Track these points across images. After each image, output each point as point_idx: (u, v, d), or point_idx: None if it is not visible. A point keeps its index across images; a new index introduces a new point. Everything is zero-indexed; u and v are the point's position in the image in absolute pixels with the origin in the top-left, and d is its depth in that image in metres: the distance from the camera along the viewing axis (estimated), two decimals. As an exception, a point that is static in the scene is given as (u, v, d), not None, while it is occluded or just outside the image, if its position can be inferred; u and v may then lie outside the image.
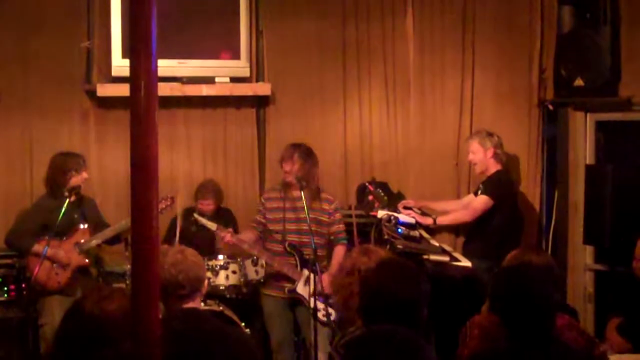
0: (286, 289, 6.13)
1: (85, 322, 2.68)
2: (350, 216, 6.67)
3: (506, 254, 4.28)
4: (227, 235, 6.09)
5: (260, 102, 7.35)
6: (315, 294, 5.68)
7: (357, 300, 3.36)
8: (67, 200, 5.99)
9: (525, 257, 4.05)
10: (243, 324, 6.00)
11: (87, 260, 6.30)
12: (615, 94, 6.63)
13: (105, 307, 2.68)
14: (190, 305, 3.69)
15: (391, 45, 7.33)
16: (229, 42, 7.06)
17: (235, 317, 5.97)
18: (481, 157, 6.66)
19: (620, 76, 6.62)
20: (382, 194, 6.75)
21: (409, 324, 3.11)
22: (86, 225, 6.31)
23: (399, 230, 6.34)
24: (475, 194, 6.76)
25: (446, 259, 6.34)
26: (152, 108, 1.61)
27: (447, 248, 6.59)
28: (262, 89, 7.19)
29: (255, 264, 6.40)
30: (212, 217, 6.63)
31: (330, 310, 5.85)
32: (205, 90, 7.02)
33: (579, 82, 6.61)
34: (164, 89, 6.63)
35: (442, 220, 6.69)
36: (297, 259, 6.13)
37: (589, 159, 6.92)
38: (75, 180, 6.24)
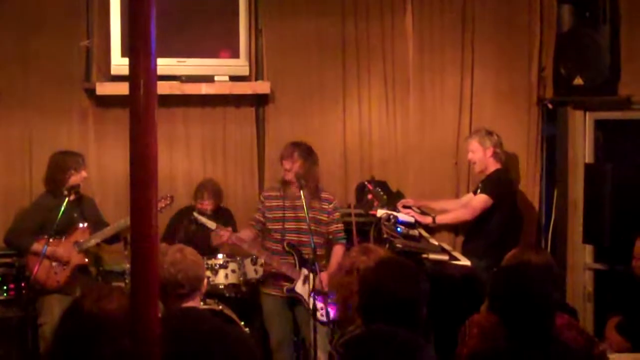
0: (285, 289, 6.13)
1: (84, 321, 2.67)
2: (349, 215, 6.67)
3: (505, 253, 4.27)
4: (226, 234, 6.09)
5: (259, 101, 7.35)
6: (314, 293, 5.67)
7: (357, 299, 3.36)
8: (67, 199, 5.99)
9: (525, 256, 4.05)
10: (242, 323, 6.00)
11: (86, 259, 6.30)
12: (615, 93, 6.63)
13: (105, 306, 2.68)
14: (190, 304, 3.69)
15: (390, 43, 7.33)
16: (228, 40, 7.06)
17: (234, 316, 5.97)
18: (481, 156, 6.65)
19: (619, 75, 6.62)
20: (382, 192, 6.75)
21: (408, 323, 3.12)
22: (85, 224, 6.31)
23: (398, 229, 6.34)
24: (475, 192, 6.75)
25: (445, 258, 6.34)
26: (151, 107, 1.61)
27: (447, 247, 6.59)
28: (261, 87, 7.19)
29: (254, 263, 6.40)
30: (211, 217, 6.63)
31: (329, 309, 5.86)
32: (204, 88, 7.02)
33: (578, 80, 6.61)
34: (163, 88, 6.62)
35: (442, 219, 6.69)
36: (296, 258, 6.13)
37: (588, 158, 6.92)
38: (74, 179, 6.24)
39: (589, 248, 6.96)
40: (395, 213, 6.48)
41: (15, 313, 6.40)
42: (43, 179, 6.36)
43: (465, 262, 6.37)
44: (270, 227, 6.24)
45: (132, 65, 1.61)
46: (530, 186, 7.15)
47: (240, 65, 7.07)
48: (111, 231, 6.28)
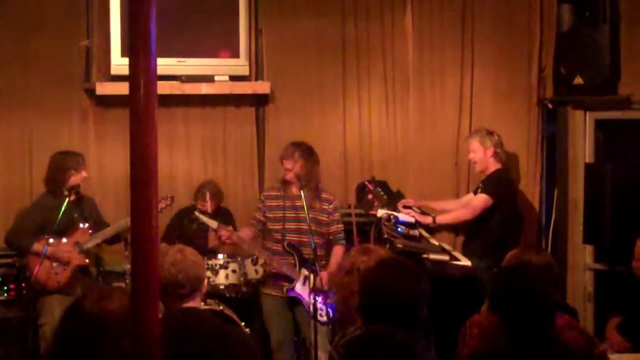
0: (285, 289, 6.13)
1: (85, 321, 2.67)
2: (349, 215, 6.68)
3: (506, 253, 4.27)
4: (227, 233, 6.09)
5: (259, 101, 7.35)
6: (314, 293, 5.67)
7: (357, 299, 3.36)
8: (67, 200, 5.99)
9: (525, 257, 4.05)
10: (243, 323, 6.00)
11: (87, 260, 6.30)
12: (615, 93, 6.63)
13: (105, 306, 2.68)
14: (190, 304, 3.69)
15: (390, 43, 7.33)
16: (228, 40, 7.06)
17: (235, 317, 5.97)
18: (481, 156, 6.65)
19: (619, 74, 6.61)
20: (382, 192, 6.75)
21: (408, 323, 3.11)
22: (86, 225, 6.31)
23: (399, 229, 6.34)
24: (475, 192, 6.75)
25: (446, 258, 6.34)
26: (151, 106, 1.61)
27: (447, 247, 6.59)
28: (261, 87, 7.19)
29: (255, 263, 6.40)
30: (211, 217, 6.63)
31: (329, 309, 5.86)
32: (204, 88, 7.02)
33: (578, 80, 6.61)
34: (163, 88, 6.62)
35: (442, 219, 6.69)
36: (296, 258, 6.13)
37: (589, 158, 6.92)
38: (74, 179, 6.24)
39: (589, 248, 6.96)
40: (395, 213, 6.48)
41: (15, 313, 6.40)
42: (43, 179, 6.36)
43: (465, 262, 6.37)
44: (270, 226, 6.24)
45: (132, 65, 1.60)
46: (531, 186, 7.14)
47: (240, 65, 7.07)
48: (112, 231, 6.29)
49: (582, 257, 6.99)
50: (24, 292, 6.35)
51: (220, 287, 6.35)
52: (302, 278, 6.07)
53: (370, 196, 6.74)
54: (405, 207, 6.76)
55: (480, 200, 6.59)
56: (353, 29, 7.31)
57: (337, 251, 6.22)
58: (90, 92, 6.93)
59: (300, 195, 5.94)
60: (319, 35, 7.30)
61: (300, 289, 6.07)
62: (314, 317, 5.61)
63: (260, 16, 7.22)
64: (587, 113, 6.91)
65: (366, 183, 6.89)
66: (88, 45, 6.93)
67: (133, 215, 1.63)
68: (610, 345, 5.17)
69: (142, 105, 1.60)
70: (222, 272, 6.37)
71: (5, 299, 6.42)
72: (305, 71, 7.31)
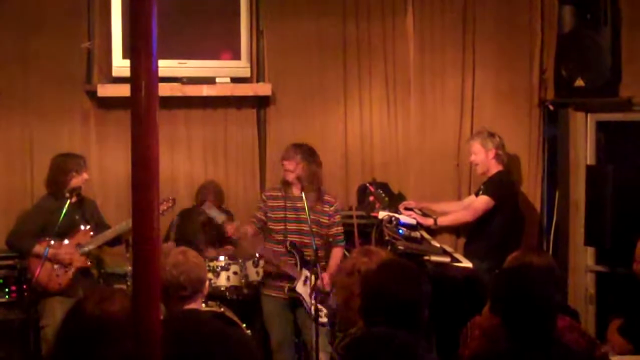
0: (286, 288, 6.11)
1: (86, 323, 2.67)
2: (351, 217, 6.68)
3: (507, 254, 4.27)
4: (232, 228, 6.10)
5: (260, 103, 7.35)
6: (315, 295, 5.67)
7: (358, 301, 3.36)
8: (68, 202, 5.99)
9: (526, 258, 4.05)
10: (244, 325, 5.99)
11: (88, 262, 6.30)
12: (616, 94, 6.62)
13: (106, 308, 2.68)
14: (192, 306, 3.69)
15: (391, 44, 7.33)
16: (229, 42, 7.06)
17: (236, 318, 5.97)
18: (483, 158, 6.65)
19: (620, 76, 6.61)
20: (383, 194, 6.75)
21: (409, 325, 3.11)
22: (87, 227, 6.31)
23: (400, 231, 6.34)
24: (477, 194, 6.75)
25: (447, 259, 6.34)
26: (152, 108, 1.61)
27: (448, 249, 6.58)
28: (262, 89, 7.20)
29: (256, 265, 6.40)
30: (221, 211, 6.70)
31: (328, 309, 5.87)
32: (205, 90, 7.03)
33: (579, 82, 6.60)
34: (165, 90, 6.63)
35: (443, 220, 6.69)
36: (297, 258, 6.13)
37: (590, 160, 6.91)
38: (76, 181, 6.24)
39: (590, 250, 6.95)
40: (397, 215, 6.48)
41: (17, 315, 6.40)
42: (44, 181, 6.36)
43: (467, 264, 6.36)
44: (271, 226, 6.24)
45: (133, 67, 1.60)
46: (532, 188, 7.14)
47: (241, 66, 7.07)
48: (113, 233, 6.29)
49: (583, 259, 6.98)
50: (26, 294, 6.36)
51: (222, 288, 6.36)
52: (303, 278, 6.07)
53: (371, 198, 6.74)
54: (406, 208, 6.76)
55: (482, 201, 6.59)
56: (354, 30, 7.31)
57: (337, 253, 6.23)
58: (92, 94, 6.93)
59: (301, 197, 5.94)
60: (320, 36, 7.30)
61: (301, 288, 6.07)
62: (315, 319, 5.60)
63: (261, 17, 7.23)
64: (588, 115, 6.90)
65: (367, 185, 6.89)
66: (89, 46, 6.93)
67: (134, 217, 1.62)
68: (611, 347, 5.16)
69: (143, 107, 1.60)
70: (223, 274, 6.37)
71: (7, 301, 6.42)
72: (307, 72, 7.31)
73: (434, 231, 6.85)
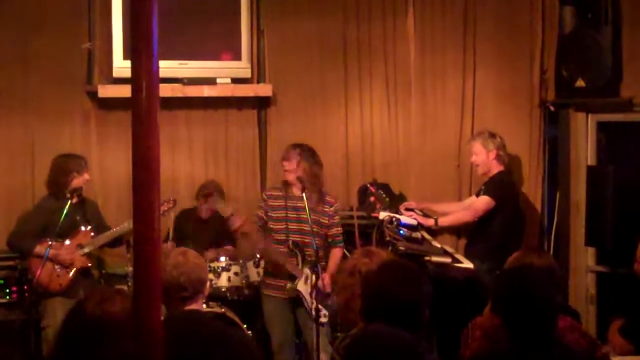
0: (287, 285, 6.09)
1: (87, 324, 2.67)
2: (352, 217, 6.68)
3: (508, 255, 4.27)
4: (238, 222, 6.09)
5: (261, 103, 7.35)
6: (316, 295, 5.67)
7: (359, 302, 3.36)
8: (69, 202, 5.99)
9: (527, 259, 4.05)
10: (245, 325, 6.00)
11: (89, 262, 6.30)
12: (617, 95, 6.62)
13: (107, 309, 2.68)
14: (193, 307, 3.69)
15: (392, 45, 7.33)
16: (230, 42, 7.07)
17: (237, 319, 5.98)
18: (484, 158, 6.65)
19: (621, 77, 6.60)
20: (384, 195, 6.75)
21: (410, 325, 3.11)
22: (88, 227, 6.31)
23: (401, 231, 6.34)
24: (477, 195, 6.75)
25: (448, 260, 6.34)
26: (153, 109, 1.61)
27: (449, 249, 6.59)
28: (263, 90, 7.20)
29: (257, 265, 6.40)
30: (212, 218, 6.67)
31: (328, 310, 5.87)
32: (206, 91, 7.03)
33: (580, 82, 6.60)
34: (165, 90, 6.64)
35: (444, 221, 6.68)
36: (299, 257, 6.12)
37: (591, 160, 6.91)
38: (76, 181, 6.24)
39: (591, 250, 6.94)
40: (397, 215, 6.48)
41: (18, 316, 6.40)
42: (45, 182, 6.36)
43: (467, 264, 6.36)
44: (272, 226, 6.23)
45: (134, 68, 1.60)
46: (533, 188, 7.14)
47: (242, 67, 7.08)
48: (114, 234, 6.29)
49: (584, 260, 6.98)
50: (26, 294, 6.36)
51: (223, 289, 6.36)
52: (304, 277, 6.06)
53: (372, 199, 6.74)
54: (407, 209, 6.76)
55: (483, 202, 6.59)
56: (355, 30, 7.31)
57: (336, 254, 6.24)
58: (93, 95, 6.94)
59: (302, 197, 5.94)
60: (321, 36, 7.30)
61: (302, 287, 6.07)
62: (316, 319, 5.60)
63: (262, 17, 7.23)
64: (589, 115, 6.89)
65: (368, 185, 6.89)
66: (90, 47, 6.94)
67: (135, 218, 1.62)
68: (612, 348, 5.16)
69: (144, 108, 1.60)
70: (224, 275, 6.38)
71: (8, 302, 6.43)
72: (307, 73, 7.32)
73: (435, 232, 6.85)
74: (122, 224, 6.26)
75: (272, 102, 7.29)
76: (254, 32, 7.19)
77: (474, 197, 6.85)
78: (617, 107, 6.72)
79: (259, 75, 7.27)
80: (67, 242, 6.21)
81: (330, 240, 6.26)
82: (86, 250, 6.24)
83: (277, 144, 7.09)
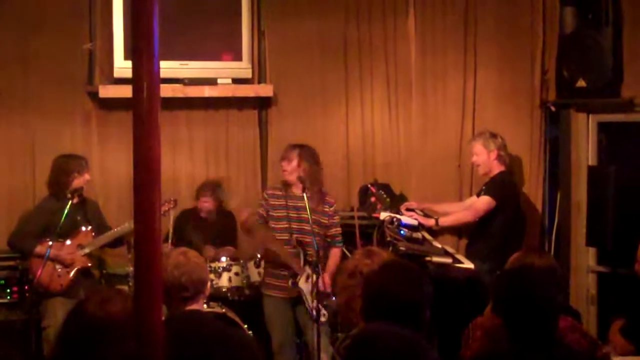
0: (290, 281, 6.09)
1: (88, 324, 2.67)
2: (352, 218, 6.67)
3: (509, 255, 4.27)
4: (244, 214, 6.09)
5: (262, 104, 7.36)
6: (317, 295, 5.67)
7: (360, 302, 3.36)
8: (70, 202, 5.99)
9: (528, 259, 4.05)
10: (245, 325, 5.99)
11: (89, 263, 6.30)
12: (618, 95, 6.61)
13: (108, 309, 2.67)
14: (194, 307, 3.69)
15: (393, 45, 7.33)
16: (230, 43, 7.07)
17: (237, 319, 5.97)
18: (485, 158, 6.65)
19: (622, 77, 6.60)
20: (385, 195, 6.75)
21: (411, 325, 3.10)
22: (89, 227, 6.31)
23: (402, 232, 6.34)
24: (478, 195, 6.75)
25: (449, 260, 6.34)
26: (154, 109, 1.61)
27: (450, 250, 6.59)
28: (264, 90, 7.20)
29: (257, 265, 6.40)
30: (212, 217, 6.68)
31: (327, 310, 5.87)
32: (207, 91, 7.03)
33: (581, 83, 6.60)
34: (166, 91, 6.64)
35: (445, 221, 6.68)
36: (302, 255, 6.12)
37: (591, 160, 6.91)
38: (77, 182, 6.24)
39: (592, 251, 6.94)
40: (398, 216, 6.48)
41: (18, 316, 6.40)
42: (46, 182, 6.36)
43: (468, 264, 6.36)
44: (273, 225, 6.22)
45: (135, 68, 1.60)
46: (534, 189, 7.13)
47: (243, 67, 7.08)
48: (115, 234, 6.29)
49: (585, 260, 6.97)
50: (27, 294, 6.36)
51: (223, 289, 6.36)
52: (305, 274, 6.05)
53: (373, 199, 6.74)
54: (408, 209, 6.76)
55: (483, 202, 6.59)
56: (355, 31, 7.31)
57: (335, 254, 6.25)
58: (93, 95, 6.94)
59: (302, 197, 5.94)
60: (322, 37, 7.31)
61: (303, 284, 6.06)
62: (317, 320, 5.60)
63: (262, 18, 7.24)
64: (590, 115, 6.89)
65: (369, 186, 6.89)
66: (91, 47, 6.94)
67: (136, 218, 1.62)
68: (613, 348, 5.16)
69: (145, 108, 1.60)
70: (225, 275, 6.38)
71: (8, 302, 6.43)
72: (308, 73, 7.32)
73: (436, 232, 6.85)
74: (122, 224, 6.27)
75: (272, 102, 7.30)
76: (255, 32, 7.19)
77: (474, 198, 6.85)
78: (618, 108, 6.71)
79: (259, 76, 7.27)
80: (68, 242, 6.21)
81: (329, 240, 6.26)
82: (87, 250, 6.25)
83: (278, 144, 7.08)
